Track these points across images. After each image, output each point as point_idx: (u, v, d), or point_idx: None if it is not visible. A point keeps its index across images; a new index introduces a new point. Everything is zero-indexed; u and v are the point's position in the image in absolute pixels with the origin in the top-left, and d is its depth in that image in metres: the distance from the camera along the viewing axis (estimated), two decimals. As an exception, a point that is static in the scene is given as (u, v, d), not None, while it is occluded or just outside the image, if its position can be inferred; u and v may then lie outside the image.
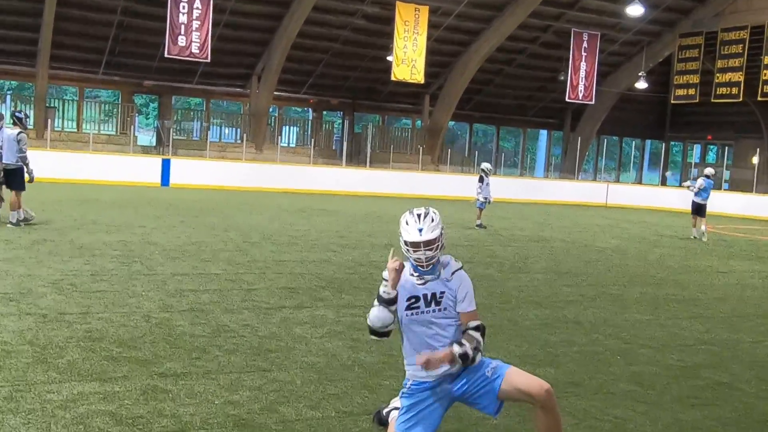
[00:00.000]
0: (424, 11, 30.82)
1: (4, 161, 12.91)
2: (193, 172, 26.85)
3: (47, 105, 29.89)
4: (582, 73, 35.07)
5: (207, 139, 30.56)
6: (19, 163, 13.02)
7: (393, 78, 31.60)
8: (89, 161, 25.60)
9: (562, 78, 35.60)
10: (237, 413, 4.86)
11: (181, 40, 26.98)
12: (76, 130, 31.66)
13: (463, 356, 3.92)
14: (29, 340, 6.17)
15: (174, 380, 5.41)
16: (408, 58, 31.04)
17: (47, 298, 7.74)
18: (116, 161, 26.37)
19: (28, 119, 13.31)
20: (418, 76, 31.65)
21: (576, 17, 33.86)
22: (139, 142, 33.24)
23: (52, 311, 7.19)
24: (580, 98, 35.70)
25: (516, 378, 3.98)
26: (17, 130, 13.14)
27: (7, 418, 4.51)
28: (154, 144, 34.55)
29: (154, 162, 27.11)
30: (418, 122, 38.43)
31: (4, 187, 13.20)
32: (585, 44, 34.84)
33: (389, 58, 31.67)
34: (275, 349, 6.43)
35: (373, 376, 5.87)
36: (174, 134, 30.81)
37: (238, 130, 34.81)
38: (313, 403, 5.13)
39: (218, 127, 35.05)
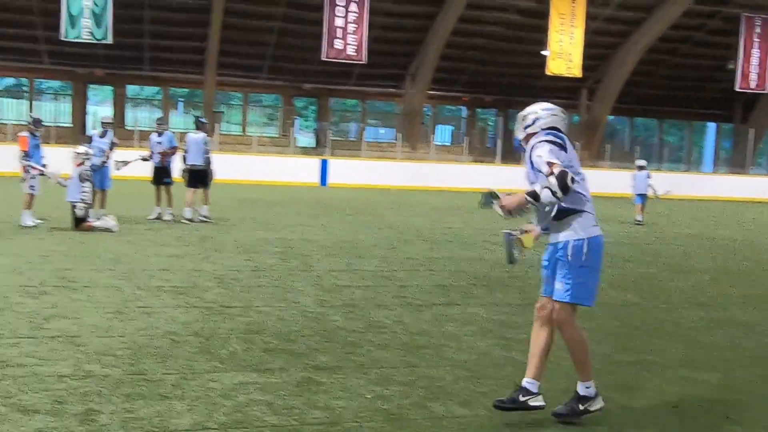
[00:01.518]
0: (581, 3, 29.96)
1: (190, 163, 13.97)
2: (349, 171, 27.51)
3: (215, 110, 31.61)
4: (754, 61, 32.83)
5: (363, 139, 31.23)
6: (205, 165, 14.12)
7: (548, 72, 30.95)
8: (253, 163, 26.82)
9: (731, 67, 33.50)
10: (387, 408, 4.90)
11: (338, 44, 27.72)
12: (241, 133, 33.28)
13: (532, 194, 4.46)
14: (195, 331, 6.52)
15: (327, 373, 5.53)
16: (564, 51, 30.29)
17: (212, 291, 8.16)
18: (277, 162, 27.49)
19: (207, 123, 14.60)
20: (575, 70, 30.82)
21: (747, 1, 31.73)
22: (299, 144, 34.46)
23: (216, 304, 7.57)
24: (752, 87, 33.44)
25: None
26: (202, 134, 14.15)
27: (173, 404, 4.78)
28: (314, 145, 35.71)
29: (313, 162, 28.01)
30: (575, 117, 37.43)
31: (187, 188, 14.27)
32: (758, 29, 32.59)
33: (544, 53, 31.04)
34: (426, 346, 6.44)
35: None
36: (332, 135, 31.70)
37: (393, 129, 35.30)
38: (462, 401, 5.08)
39: (374, 128, 35.71)
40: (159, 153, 14.06)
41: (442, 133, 37.16)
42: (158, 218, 13.93)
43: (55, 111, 31.66)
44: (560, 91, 35.70)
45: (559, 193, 4.36)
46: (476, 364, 5.99)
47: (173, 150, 14.26)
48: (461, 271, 10.28)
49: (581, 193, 4.62)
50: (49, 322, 6.56)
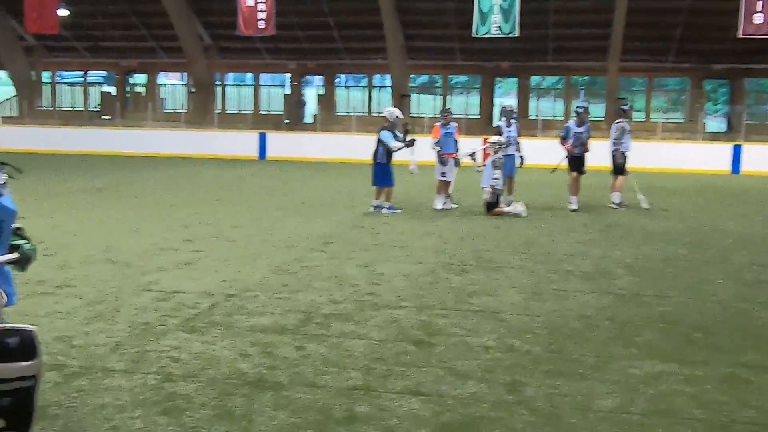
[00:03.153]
0: None
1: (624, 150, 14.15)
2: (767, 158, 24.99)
3: (618, 97, 31.02)
4: None
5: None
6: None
7: None
8: (657, 149, 25.77)
9: None
10: (834, 417, 4.39)
11: (757, 18, 25.27)
12: (644, 120, 32.20)
13: None
14: (609, 317, 6.51)
15: (757, 372, 5.13)
16: None
17: (623, 279, 8.07)
18: (684, 149, 26.05)
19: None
20: None
21: None
22: (708, 129, 32.24)
23: (628, 291, 7.47)
24: None
25: None
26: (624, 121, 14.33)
27: (594, 385, 4.84)
28: (724, 130, 33.13)
29: (724, 149, 25.99)
30: None
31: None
32: None
33: None
34: None
35: None
36: (746, 119, 29.10)
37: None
38: None
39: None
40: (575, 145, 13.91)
41: None
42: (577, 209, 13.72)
43: (465, 104, 33.88)
44: None
45: None
46: None
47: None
48: None
49: None
50: (472, 298, 7.08)
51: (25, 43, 33.51)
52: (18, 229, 3.64)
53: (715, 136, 30.64)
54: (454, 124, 14.36)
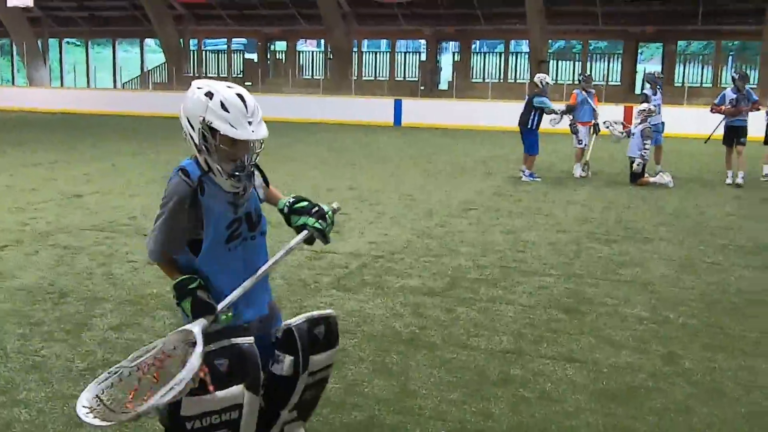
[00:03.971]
0: None
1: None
2: None
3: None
4: None
5: None
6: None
7: None
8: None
9: None
10: None
11: None
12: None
13: None
14: (770, 293, 6.23)
15: None
16: None
17: (784, 254, 7.67)
18: None
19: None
20: None
21: None
22: None
23: (790, 268, 7.10)
24: None
25: None
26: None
27: (757, 362, 4.66)
28: None
29: None
30: None
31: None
32: None
33: None
34: None
35: None
36: None
37: None
38: None
39: None
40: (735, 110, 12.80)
41: None
42: (732, 184, 12.70)
43: (606, 70, 32.75)
44: None
45: None
46: None
47: (753, 107, 12.96)
48: None
49: None
50: (622, 269, 6.94)
51: (175, 12, 35.07)
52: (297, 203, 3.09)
53: None
54: (592, 91, 13.97)
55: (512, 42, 34.20)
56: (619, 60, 32.92)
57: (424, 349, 4.77)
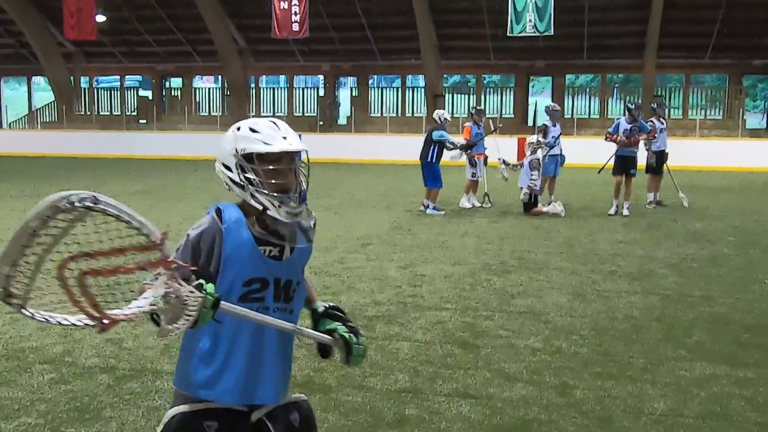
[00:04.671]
0: None
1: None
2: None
3: (654, 95, 30.64)
4: None
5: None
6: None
7: None
8: (696, 147, 25.40)
9: None
10: None
11: (798, 12, 24.77)
12: (681, 117, 31.76)
13: None
14: (656, 318, 6.43)
15: (812, 374, 5.03)
16: None
17: (668, 279, 7.96)
18: (724, 146, 25.66)
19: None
20: None
21: None
22: (748, 126, 31.71)
23: (674, 292, 7.36)
24: None
25: None
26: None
27: (645, 387, 4.78)
28: (765, 126, 32.56)
29: (765, 145, 25.56)
30: None
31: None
32: None
33: None
34: None
35: None
36: (787, 114, 28.56)
37: None
38: None
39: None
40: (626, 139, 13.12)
41: None
42: (616, 213, 12.95)
43: (499, 103, 33.68)
44: None
45: None
46: None
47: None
48: None
49: None
50: (516, 299, 7.04)
51: (64, 49, 34.03)
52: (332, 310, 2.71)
53: (755, 133, 30.14)
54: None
55: (408, 77, 34.76)
56: (512, 93, 33.95)
57: (318, 392, 4.66)
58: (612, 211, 13.09)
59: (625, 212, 12.92)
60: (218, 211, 2.48)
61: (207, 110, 34.84)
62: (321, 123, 31.84)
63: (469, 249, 9.67)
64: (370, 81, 35.04)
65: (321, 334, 2.57)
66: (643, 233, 11.10)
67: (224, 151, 2.49)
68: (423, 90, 32.75)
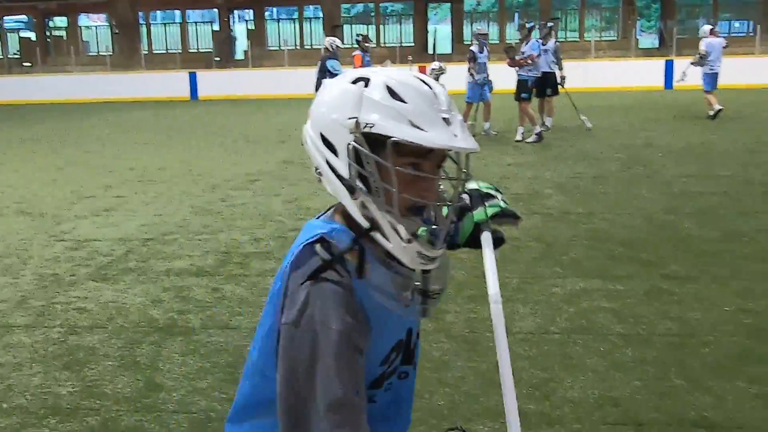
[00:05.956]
0: None
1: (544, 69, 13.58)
2: (699, 72, 25.16)
3: (551, 17, 30.80)
4: None
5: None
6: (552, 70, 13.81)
7: None
8: (592, 68, 25.76)
9: None
10: (752, 322, 4.38)
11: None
12: (578, 39, 32.15)
13: None
14: (536, 237, 6.43)
15: (679, 283, 5.10)
16: None
17: (553, 198, 8.00)
18: (618, 66, 26.11)
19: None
20: None
21: None
22: (641, 45, 32.37)
23: (556, 211, 7.40)
24: None
25: None
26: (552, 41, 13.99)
27: (516, 306, 4.75)
28: (657, 46, 33.30)
29: (657, 65, 26.11)
30: None
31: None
32: None
33: None
34: (798, 257, 5.65)
35: None
36: (678, 34, 29.22)
37: (750, 22, 31.49)
38: None
39: (727, 21, 32.18)
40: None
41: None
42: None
43: (399, 32, 33.29)
44: None
45: None
46: None
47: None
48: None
49: None
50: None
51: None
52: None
53: (648, 53, 30.80)
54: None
55: (308, 7, 33.93)
56: (411, 21, 33.59)
57: (180, 335, 4.44)
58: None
59: (518, 137, 12.85)
60: (333, 251, 1.32)
61: (96, 50, 33.25)
62: (217, 59, 30.85)
63: (359, 179, 9.49)
64: (267, 13, 34.03)
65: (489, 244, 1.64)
66: (534, 155, 11.15)
67: (326, 118, 1.35)
68: (321, 21, 32.03)
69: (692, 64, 15.99)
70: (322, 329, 1.24)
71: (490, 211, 1.64)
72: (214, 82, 26.44)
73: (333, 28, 29.08)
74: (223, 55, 31.50)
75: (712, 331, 4.27)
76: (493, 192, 1.69)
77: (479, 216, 1.63)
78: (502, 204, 1.68)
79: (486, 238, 1.63)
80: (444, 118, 1.29)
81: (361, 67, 13.54)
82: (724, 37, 17.87)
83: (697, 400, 3.48)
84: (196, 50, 32.88)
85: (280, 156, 11.79)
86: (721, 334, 4.23)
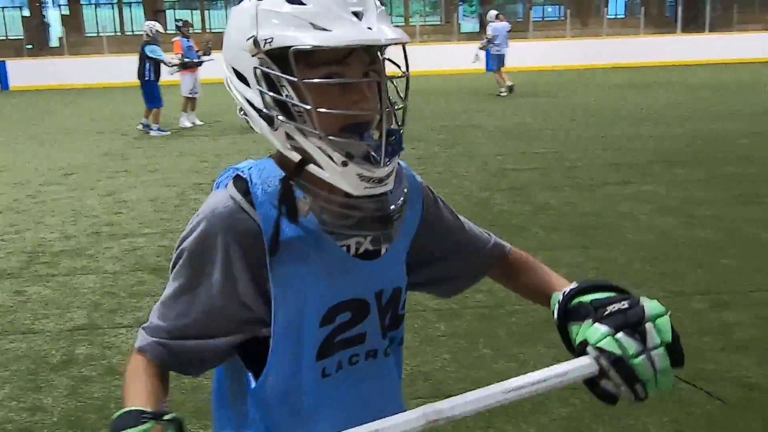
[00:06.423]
0: None
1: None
2: (517, 54, 26.39)
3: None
4: None
5: (530, 20, 29.80)
6: None
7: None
8: (416, 52, 26.35)
9: None
10: (554, 290, 4.64)
11: None
12: (404, 24, 32.81)
13: None
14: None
15: (491, 257, 5.32)
16: None
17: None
18: (441, 50, 26.89)
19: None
20: None
21: None
22: (463, 30, 33.52)
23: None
24: None
25: None
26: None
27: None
28: (478, 30, 34.59)
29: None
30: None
31: None
32: None
33: None
34: (598, 227, 6.06)
35: (711, 255, 5.25)
36: (496, 18, 30.51)
37: (561, 7, 33.42)
38: (637, 282, 4.72)
39: (540, 6, 33.95)
40: None
41: (615, 5, 34.68)
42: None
43: (225, 18, 32.60)
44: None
45: None
46: (654, 244, 5.56)
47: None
48: (636, 148, 9.59)
49: None
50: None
51: None
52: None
53: (470, 36, 31.91)
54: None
55: (127, -8, 32.49)
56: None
57: (-25, 344, 4.12)
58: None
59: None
60: (239, 182, 1.20)
61: None
62: (29, 46, 28.89)
63: (182, 169, 9.22)
64: (82, -2, 32.28)
65: (577, 370, 1.13)
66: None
67: (233, 44, 1.19)
68: (141, 5, 30.76)
69: (480, 48, 17.31)
70: (181, 247, 1.19)
71: (601, 336, 1.12)
72: (27, 72, 24.74)
73: (155, 13, 28.05)
74: (36, 42, 29.53)
75: (519, 301, 4.47)
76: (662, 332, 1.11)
77: (590, 333, 1.14)
78: (616, 350, 1.10)
79: (578, 363, 1.14)
80: (354, 12, 1.11)
81: (181, 53, 13.13)
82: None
83: (502, 367, 3.66)
84: (5, 37, 30.61)
85: (99, 148, 11.22)
86: (527, 303, 4.43)
